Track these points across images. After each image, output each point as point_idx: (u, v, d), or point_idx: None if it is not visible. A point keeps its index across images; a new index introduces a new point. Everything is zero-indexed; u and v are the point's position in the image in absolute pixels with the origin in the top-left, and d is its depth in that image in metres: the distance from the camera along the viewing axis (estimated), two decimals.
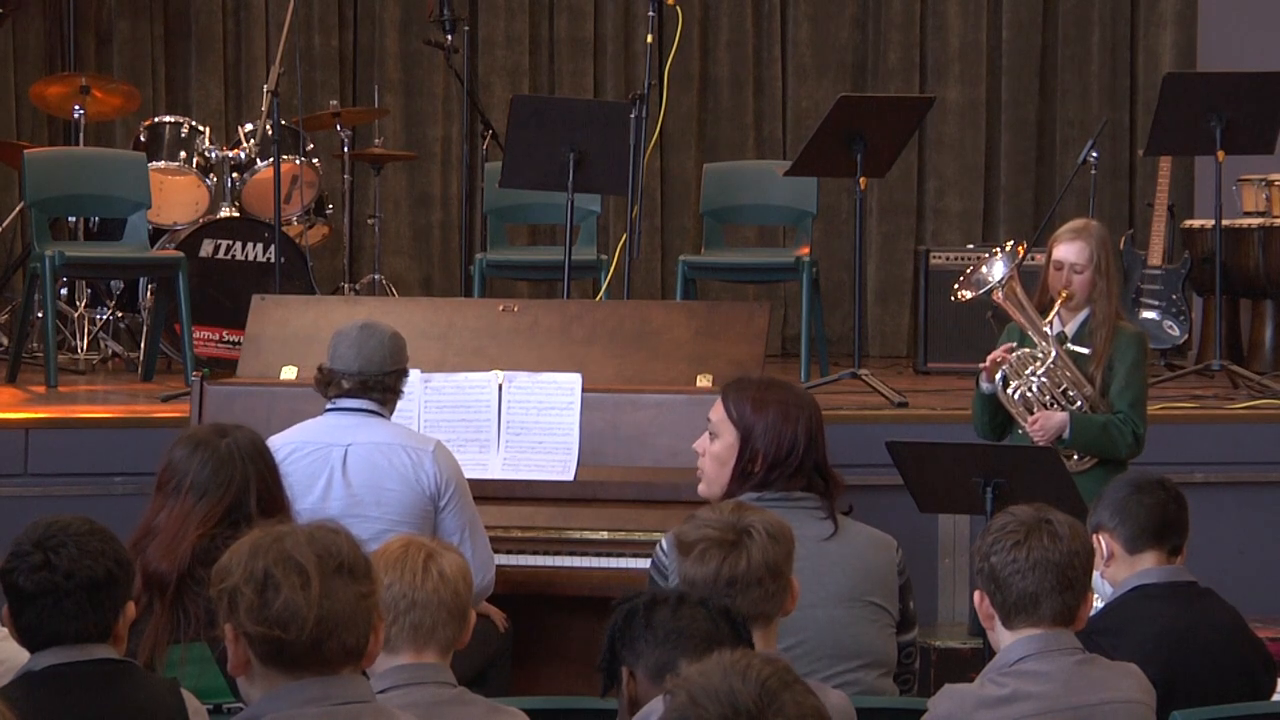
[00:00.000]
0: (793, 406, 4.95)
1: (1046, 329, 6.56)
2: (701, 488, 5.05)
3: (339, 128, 10.25)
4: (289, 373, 6.94)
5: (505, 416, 6.66)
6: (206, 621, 4.64)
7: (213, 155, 9.79)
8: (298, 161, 9.76)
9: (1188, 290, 9.88)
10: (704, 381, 6.79)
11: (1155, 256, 9.86)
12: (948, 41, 11.49)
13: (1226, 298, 9.49)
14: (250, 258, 9.44)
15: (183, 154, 9.76)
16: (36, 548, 3.78)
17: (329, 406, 6.00)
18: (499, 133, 9.60)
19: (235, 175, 9.80)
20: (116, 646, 3.83)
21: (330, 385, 5.98)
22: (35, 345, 9.46)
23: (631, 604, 3.63)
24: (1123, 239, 9.97)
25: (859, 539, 4.90)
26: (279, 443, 5.76)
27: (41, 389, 8.65)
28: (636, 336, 6.98)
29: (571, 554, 6.52)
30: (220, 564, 3.35)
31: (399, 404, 6.10)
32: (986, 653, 4.81)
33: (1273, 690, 4.78)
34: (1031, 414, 6.52)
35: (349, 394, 5.96)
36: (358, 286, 10.29)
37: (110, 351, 9.80)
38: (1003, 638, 4.16)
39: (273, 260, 9.25)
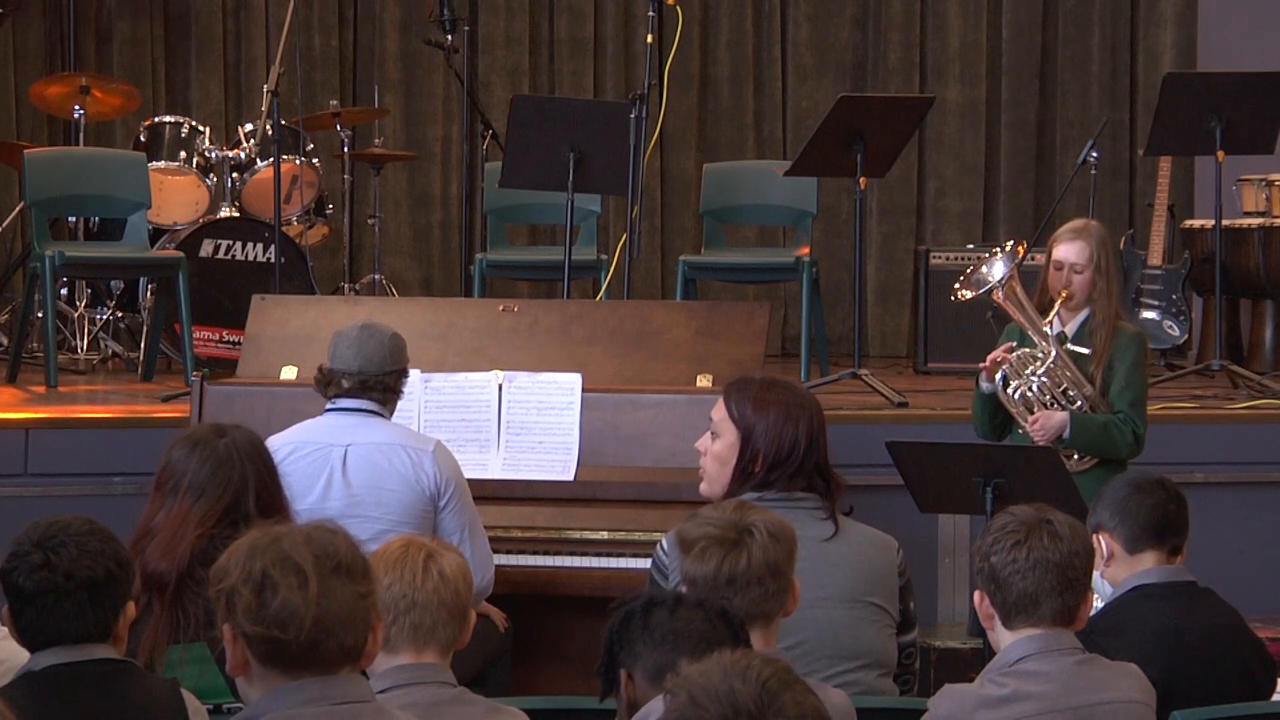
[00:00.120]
0: (794, 407, 4.94)
1: (1046, 329, 6.55)
2: (703, 487, 5.05)
3: (339, 128, 10.25)
4: (289, 373, 6.94)
5: (505, 416, 6.66)
6: (206, 621, 4.64)
7: (213, 155, 9.79)
8: (298, 161, 9.75)
9: (1188, 290, 9.87)
10: (704, 381, 6.79)
11: (1155, 256, 9.86)
12: (948, 42, 11.48)
13: (1226, 298, 9.49)
14: (250, 258, 9.43)
15: (183, 154, 9.76)
16: (36, 548, 3.78)
17: (329, 406, 6.00)
18: (499, 133, 9.60)
19: (235, 175, 9.79)
20: (116, 646, 3.83)
21: (330, 385, 5.98)
22: (35, 345, 9.45)
23: (629, 606, 3.62)
24: (1123, 239, 9.97)
25: (860, 539, 4.90)
26: (279, 443, 5.77)
27: (41, 389, 8.64)
28: (636, 336, 6.98)
29: (571, 554, 6.52)
30: (218, 564, 3.34)
31: (399, 404, 6.09)
32: (986, 653, 4.81)
33: (1272, 690, 4.77)
34: (1032, 414, 6.52)
35: (349, 394, 5.95)
36: (358, 286, 10.28)
37: (110, 351, 9.79)
38: (1003, 638, 4.16)
39: (273, 260, 9.24)
